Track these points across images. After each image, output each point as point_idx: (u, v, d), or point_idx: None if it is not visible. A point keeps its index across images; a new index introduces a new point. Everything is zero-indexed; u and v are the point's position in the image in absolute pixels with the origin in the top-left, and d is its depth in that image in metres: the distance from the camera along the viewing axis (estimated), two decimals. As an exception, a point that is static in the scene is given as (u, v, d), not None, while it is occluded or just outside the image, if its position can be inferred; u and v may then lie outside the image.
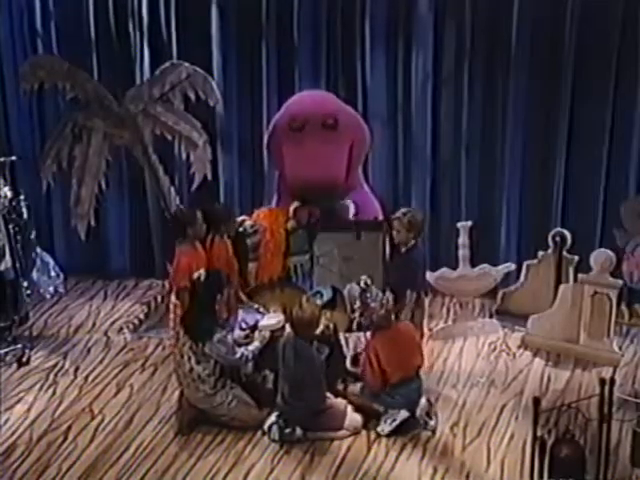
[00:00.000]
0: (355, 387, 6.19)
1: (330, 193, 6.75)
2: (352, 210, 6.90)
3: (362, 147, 7.00)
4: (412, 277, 6.44)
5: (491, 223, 7.78)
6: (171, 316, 6.49)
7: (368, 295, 6.24)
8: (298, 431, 5.94)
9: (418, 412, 6.03)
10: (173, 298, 6.49)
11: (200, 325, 5.98)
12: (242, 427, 6.05)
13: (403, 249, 6.51)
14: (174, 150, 7.71)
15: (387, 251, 6.71)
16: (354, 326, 6.45)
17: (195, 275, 6.16)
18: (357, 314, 6.34)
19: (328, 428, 5.99)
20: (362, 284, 6.34)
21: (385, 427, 5.99)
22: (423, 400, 6.08)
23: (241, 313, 6.52)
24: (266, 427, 6.00)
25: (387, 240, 6.69)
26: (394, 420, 5.98)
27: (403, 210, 6.58)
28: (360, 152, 6.99)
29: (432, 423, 6.07)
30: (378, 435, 5.99)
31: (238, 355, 6.02)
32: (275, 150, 7.03)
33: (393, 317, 6.13)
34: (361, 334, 6.44)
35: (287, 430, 5.94)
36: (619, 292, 6.95)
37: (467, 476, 5.62)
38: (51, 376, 6.84)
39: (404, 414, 6.00)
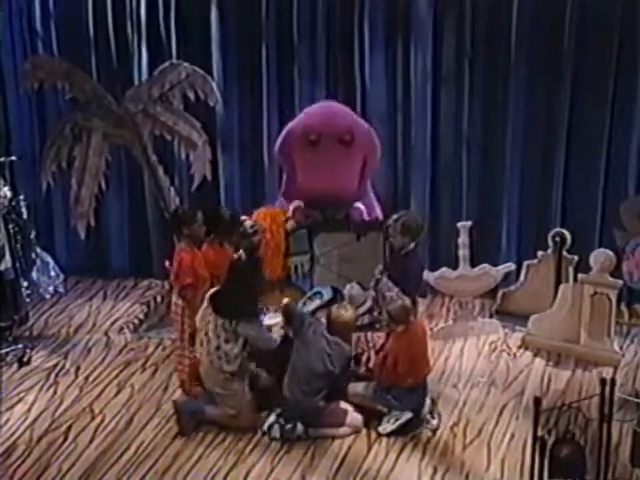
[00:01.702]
0: (356, 386, 6.18)
1: (340, 203, 6.89)
2: (364, 213, 6.99)
3: (374, 160, 7.12)
4: (407, 282, 6.43)
5: (491, 223, 7.77)
6: (177, 318, 6.37)
7: (382, 284, 6.23)
8: (299, 427, 5.94)
9: (423, 412, 6.04)
10: (175, 297, 6.40)
11: (242, 304, 5.91)
12: (241, 428, 6.02)
13: (402, 252, 6.48)
14: (174, 150, 7.71)
15: (386, 253, 6.73)
16: (365, 320, 6.44)
17: (235, 255, 6.13)
18: (370, 303, 6.31)
19: (329, 425, 6.00)
20: (377, 273, 6.34)
21: (387, 426, 5.99)
22: (428, 400, 6.10)
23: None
24: (266, 427, 5.99)
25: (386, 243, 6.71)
26: (397, 420, 5.98)
27: (395, 215, 6.54)
28: (372, 165, 7.11)
29: (434, 422, 6.08)
30: (379, 435, 5.99)
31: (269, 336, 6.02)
32: (287, 155, 7.04)
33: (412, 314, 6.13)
34: (361, 334, 6.43)
35: (288, 426, 5.94)
36: (619, 292, 6.96)
37: (467, 476, 5.63)
38: (52, 376, 6.84)
39: (408, 415, 5.99)
